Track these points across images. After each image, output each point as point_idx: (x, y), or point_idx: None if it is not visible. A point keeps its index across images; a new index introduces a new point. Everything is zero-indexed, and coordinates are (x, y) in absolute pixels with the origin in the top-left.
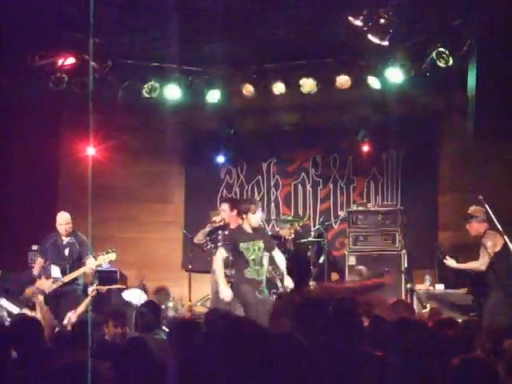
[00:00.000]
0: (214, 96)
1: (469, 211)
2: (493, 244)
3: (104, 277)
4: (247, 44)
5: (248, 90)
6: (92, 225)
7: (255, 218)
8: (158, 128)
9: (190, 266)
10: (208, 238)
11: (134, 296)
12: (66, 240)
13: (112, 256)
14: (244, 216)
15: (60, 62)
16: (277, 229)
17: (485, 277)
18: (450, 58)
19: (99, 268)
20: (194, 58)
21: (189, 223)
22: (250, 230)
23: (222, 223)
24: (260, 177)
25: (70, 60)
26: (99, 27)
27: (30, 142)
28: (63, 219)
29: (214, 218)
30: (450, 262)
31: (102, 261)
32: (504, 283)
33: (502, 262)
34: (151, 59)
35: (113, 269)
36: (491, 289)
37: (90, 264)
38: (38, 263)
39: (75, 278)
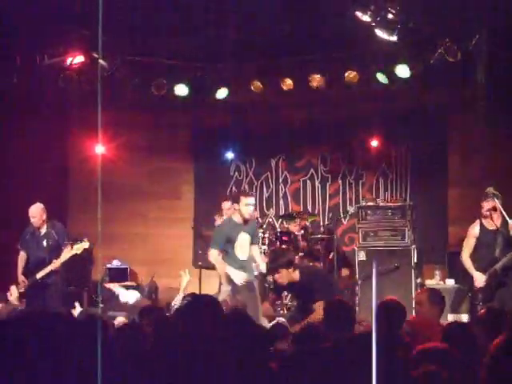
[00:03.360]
0: (222, 92)
1: None
2: None
3: (114, 274)
4: (255, 40)
5: (256, 86)
6: (102, 222)
7: (245, 209)
8: (167, 125)
9: (200, 263)
10: None
11: (131, 297)
12: (43, 231)
13: (85, 244)
14: (235, 207)
15: (69, 60)
16: (286, 225)
17: None
18: (459, 53)
19: (109, 265)
20: (202, 54)
21: (198, 220)
22: (240, 221)
23: None
24: (269, 173)
25: (79, 58)
26: (108, 25)
27: (40, 141)
28: (35, 212)
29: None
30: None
31: (77, 250)
32: None
33: None
34: (160, 56)
35: (123, 266)
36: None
37: (65, 254)
38: (21, 256)
39: (56, 271)
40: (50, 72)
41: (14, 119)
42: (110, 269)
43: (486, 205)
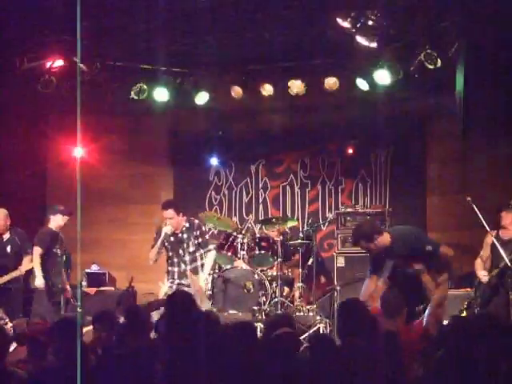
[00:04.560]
0: (202, 98)
1: None
2: None
3: (93, 278)
4: (235, 46)
5: (236, 91)
6: (81, 227)
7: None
8: (147, 130)
9: None
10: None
11: None
12: (6, 237)
13: None
14: None
15: (48, 64)
16: (265, 231)
17: None
18: (438, 60)
19: (88, 270)
20: (182, 59)
21: None
22: None
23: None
24: (248, 179)
25: (59, 62)
26: (87, 29)
27: (18, 145)
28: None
29: (164, 231)
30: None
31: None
32: None
33: None
34: (140, 61)
35: (102, 271)
36: None
37: (28, 262)
38: None
39: (17, 278)
40: (30, 76)
41: None
42: (88, 273)
43: (508, 216)
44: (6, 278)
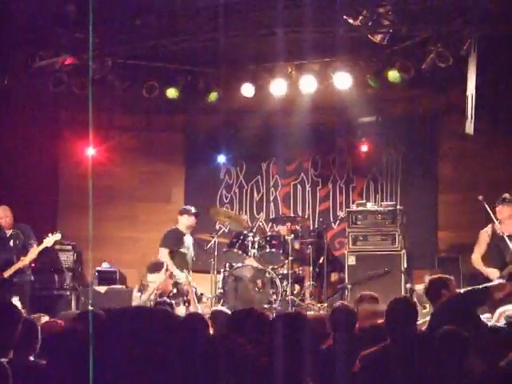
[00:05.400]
0: (213, 96)
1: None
2: None
3: (103, 276)
4: (246, 44)
5: (247, 89)
6: (92, 225)
7: None
8: (158, 128)
9: None
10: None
11: None
12: (9, 232)
13: (57, 236)
14: None
15: (60, 62)
16: (276, 229)
17: None
18: (450, 58)
19: (98, 268)
20: (193, 58)
21: None
22: None
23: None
24: (259, 177)
25: (70, 60)
26: (99, 27)
27: (30, 143)
28: (3, 213)
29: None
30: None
31: (48, 243)
32: None
33: None
34: (151, 59)
35: (112, 269)
36: None
37: (33, 251)
38: None
39: (23, 270)
40: (42, 74)
41: (4, 121)
42: (99, 271)
43: (505, 210)
44: (11, 270)
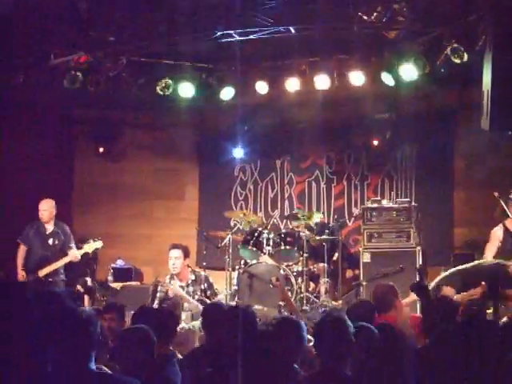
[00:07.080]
0: (227, 93)
1: None
2: None
3: (118, 273)
4: (260, 40)
5: (261, 86)
6: (106, 222)
7: None
8: (172, 125)
9: (204, 263)
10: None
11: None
12: (49, 229)
13: (98, 244)
14: None
15: (74, 60)
16: (291, 226)
17: None
18: (465, 54)
19: (113, 265)
20: (207, 55)
21: (203, 220)
22: None
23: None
24: (274, 174)
25: (84, 58)
26: (113, 25)
27: (45, 141)
28: (47, 205)
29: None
30: None
31: (88, 249)
32: None
33: None
34: (165, 56)
35: (127, 266)
36: None
37: (73, 254)
38: (21, 251)
39: (57, 270)
40: (56, 72)
41: (19, 118)
42: (114, 269)
43: None
44: (47, 269)
